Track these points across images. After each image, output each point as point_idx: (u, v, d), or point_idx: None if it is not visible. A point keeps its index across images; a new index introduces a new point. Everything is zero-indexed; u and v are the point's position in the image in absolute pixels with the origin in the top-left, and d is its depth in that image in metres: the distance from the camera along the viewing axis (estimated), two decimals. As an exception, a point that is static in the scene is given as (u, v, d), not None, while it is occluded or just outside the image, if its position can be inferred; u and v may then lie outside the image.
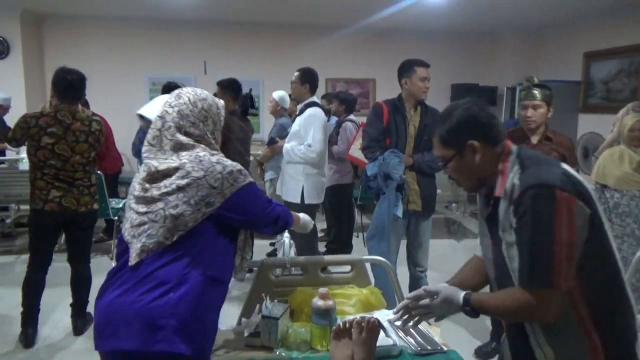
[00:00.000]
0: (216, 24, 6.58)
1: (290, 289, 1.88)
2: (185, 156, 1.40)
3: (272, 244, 4.91)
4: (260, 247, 4.60)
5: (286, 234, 2.08)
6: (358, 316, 1.45)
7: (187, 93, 1.48)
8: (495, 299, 1.27)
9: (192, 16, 6.20)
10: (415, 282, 3.01)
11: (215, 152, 1.46)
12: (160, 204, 1.35)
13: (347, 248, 4.72)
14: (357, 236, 5.37)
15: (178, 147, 1.41)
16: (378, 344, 1.43)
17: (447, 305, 1.29)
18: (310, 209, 3.36)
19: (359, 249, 4.76)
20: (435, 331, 1.73)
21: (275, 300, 1.70)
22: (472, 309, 1.26)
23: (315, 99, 3.55)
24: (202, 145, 1.44)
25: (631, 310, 1.20)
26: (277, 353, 1.57)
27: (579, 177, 1.21)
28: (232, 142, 3.90)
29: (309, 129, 3.39)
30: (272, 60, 6.77)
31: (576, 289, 1.15)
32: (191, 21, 6.45)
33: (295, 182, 3.46)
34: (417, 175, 2.95)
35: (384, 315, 1.70)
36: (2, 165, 4.50)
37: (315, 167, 3.49)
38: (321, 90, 6.68)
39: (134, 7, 5.78)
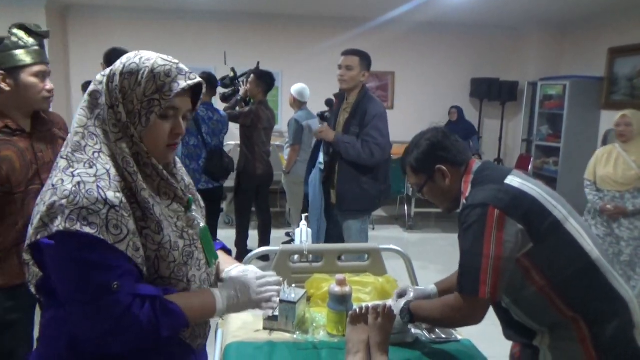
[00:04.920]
0: (237, 15, 6.62)
1: (307, 275, 1.91)
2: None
3: (287, 234, 4.97)
4: (276, 238, 4.66)
5: (303, 222, 2.11)
6: (373, 303, 1.48)
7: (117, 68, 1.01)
8: (430, 303, 1.47)
9: (213, 7, 6.26)
10: None
11: (84, 163, 0.95)
12: None
13: None
14: (373, 228, 5.39)
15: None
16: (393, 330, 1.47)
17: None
18: None
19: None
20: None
21: (293, 286, 1.73)
22: (409, 311, 1.46)
23: None
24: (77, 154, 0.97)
25: (618, 299, 1.27)
26: (294, 336, 1.61)
27: (526, 187, 1.30)
28: (259, 131, 4.01)
29: None
30: (291, 52, 6.79)
31: (547, 287, 1.27)
32: (212, 12, 6.50)
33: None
34: (337, 167, 2.93)
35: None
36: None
37: None
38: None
39: (157, -2, 5.86)
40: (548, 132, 6.42)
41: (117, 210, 0.93)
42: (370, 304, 1.46)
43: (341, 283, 1.62)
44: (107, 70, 1.02)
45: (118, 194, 0.94)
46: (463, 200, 1.39)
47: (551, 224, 1.27)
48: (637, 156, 3.25)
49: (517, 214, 1.25)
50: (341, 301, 1.60)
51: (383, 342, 1.40)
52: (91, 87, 1.03)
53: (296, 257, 2.04)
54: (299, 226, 2.12)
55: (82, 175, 0.93)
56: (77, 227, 0.88)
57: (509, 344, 1.55)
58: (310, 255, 2.02)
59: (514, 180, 1.33)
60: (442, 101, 6.81)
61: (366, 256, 2.09)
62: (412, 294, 1.63)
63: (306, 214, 2.17)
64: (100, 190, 0.92)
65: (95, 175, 0.94)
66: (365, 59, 2.91)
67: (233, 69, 4.29)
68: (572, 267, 1.27)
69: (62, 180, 0.93)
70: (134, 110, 0.98)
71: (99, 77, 1.03)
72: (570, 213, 1.32)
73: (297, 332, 1.61)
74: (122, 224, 0.93)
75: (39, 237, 0.92)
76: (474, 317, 1.31)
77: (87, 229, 0.89)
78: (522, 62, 7.00)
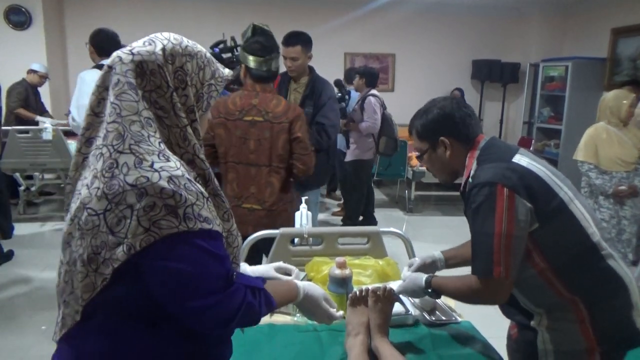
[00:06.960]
0: (235, -3, 6.53)
1: (307, 258, 1.91)
2: (101, 155, 0.86)
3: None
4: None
5: (303, 205, 2.11)
6: (373, 285, 1.48)
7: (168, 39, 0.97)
8: (453, 283, 1.40)
9: (211, -12, 6.17)
10: None
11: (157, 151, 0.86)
12: (67, 252, 0.90)
13: (369, 222, 4.78)
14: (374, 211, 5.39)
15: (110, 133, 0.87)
16: (393, 312, 1.47)
17: (412, 287, 1.47)
18: None
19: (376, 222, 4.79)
20: (451, 301, 1.75)
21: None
22: (433, 290, 1.42)
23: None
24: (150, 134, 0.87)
25: (617, 281, 1.27)
26: (295, 319, 1.61)
27: (534, 166, 1.28)
28: None
29: None
30: (291, 33, 6.71)
31: (546, 269, 1.26)
32: (210, -7, 6.41)
33: None
34: None
35: (397, 286, 1.73)
36: (27, 135, 4.60)
37: None
38: (340, 64, 6.62)
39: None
40: (549, 114, 6.38)
41: (210, 203, 0.92)
42: (370, 287, 1.47)
43: (341, 266, 1.62)
44: (149, 47, 0.91)
45: (199, 185, 0.91)
46: (469, 179, 1.36)
47: (557, 205, 1.26)
48: (631, 134, 3.23)
49: (525, 193, 1.23)
50: (341, 284, 1.60)
51: (383, 324, 1.40)
52: (130, 65, 0.89)
53: (296, 240, 2.04)
54: (298, 209, 2.12)
55: (168, 169, 0.85)
56: (198, 225, 0.85)
57: (508, 326, 1.55)
58: (310, 239, 2.02)
59: (522, 159, 1.31)
60: (443, 83, 6.76)
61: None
62: (417, 261, 1.64)
63: (306, 197, 2.17)
64: (193, 184, 0.88)
65: (178, 168, 0.87)
66: (306, 43, 3.04)
67: (233, 38, 4.19)
68: (574, 250, 1.26)
69: (147, 178, 0.82)
70: (197, 94, 0.95)
71: (126, 56, 0.90)
72: (575, 195, 1.31)
73: (298, 315, 1.62)
74: (215, 216, 0.92)
75: (142, 245, 0.82)
76: (497, 297, 1.29)
77: (206, 226, 0.86)
78: (523, 44, 6.93)
